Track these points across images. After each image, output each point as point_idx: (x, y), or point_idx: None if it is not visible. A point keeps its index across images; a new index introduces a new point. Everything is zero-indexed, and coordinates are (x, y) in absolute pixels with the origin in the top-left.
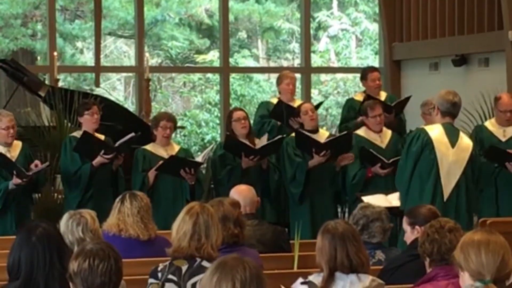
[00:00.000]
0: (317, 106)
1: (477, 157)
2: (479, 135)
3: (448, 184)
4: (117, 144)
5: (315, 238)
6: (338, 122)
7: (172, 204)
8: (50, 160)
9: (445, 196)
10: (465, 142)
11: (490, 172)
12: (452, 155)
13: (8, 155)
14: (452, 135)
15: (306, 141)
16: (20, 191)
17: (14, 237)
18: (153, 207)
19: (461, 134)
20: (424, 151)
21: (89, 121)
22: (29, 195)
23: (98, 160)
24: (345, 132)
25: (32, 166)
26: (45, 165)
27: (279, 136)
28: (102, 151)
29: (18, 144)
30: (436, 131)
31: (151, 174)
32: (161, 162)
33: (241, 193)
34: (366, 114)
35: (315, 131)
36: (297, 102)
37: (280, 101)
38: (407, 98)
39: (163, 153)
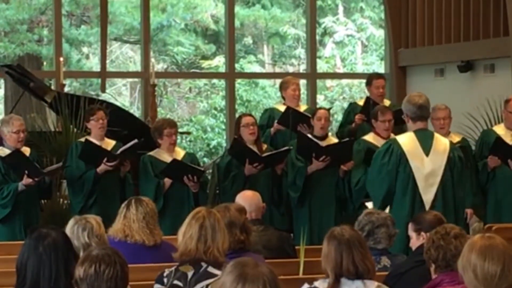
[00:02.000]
0: None
1: (456, 158)
2: (486, 138)
3: (428, 194)
4: (119, 151)
5: (313, 243)
6: None
7: (179, 210)
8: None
9: (427, 206)
10: (441, 144)
11: (483, 182)
12: (427, 165)
13: None
14: (426, 142)
15: (307, 144)
16: (29, 194)
17: (22, 242)
18: (160, 213)
19: (436, 137)
20: (399, 166)
21: (95, 127)
22: (38, 201)
23: (101, 168)
24: (347, 139)
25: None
26: (58, 165)
27: (286, 147)
28: (105, 159)
29: (26, 150)
30: (408, 142)
31: (167, 181)
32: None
33: (247, 198)
34: (376, 117)
35: (324, 137)
36: (302, 108)
37: (288, 108)
38: None
39: (169, 158)
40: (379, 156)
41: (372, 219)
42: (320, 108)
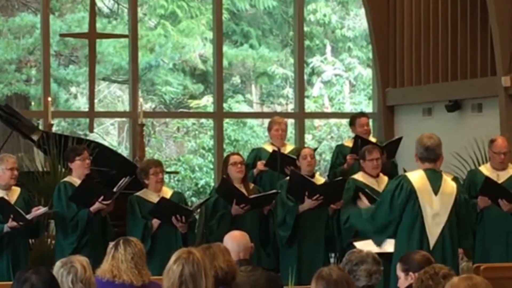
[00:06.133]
0: None
1: (462, 200)
2: (473, 178)
3: (434, 233)
4: (115, 189)
5: (301, 283)
6: None
7: (167, 250)
8: (43, 206)
9: (431, 244)
10: (449, 186)
11: (472, 222)
12: (436, 203)
13: (7, 199)
14: (435, 181)
15: (300, 182)
16: (16, 235)
17: (8, 283)
18: (148, 254)
19: (444, 178)
20: (408, 202)
21: (80, 167)
22: (27, 240)
23: (96, 207)
24: (340, 178)
25: (34, 209)
26: (45, 209)
27: (274, 191)
28: (102, 197)
29: (16, 189)
30: (418, 179)
31: (155, 222)
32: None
33: (235, 239)
34: (363, 157)
35: (311, 176)
36: (288, 147)
37: (274, 151)
38: (399, 139)
39: (156, 199)
40: (389, 192)
41: (351, 258)
42: (304, 147)
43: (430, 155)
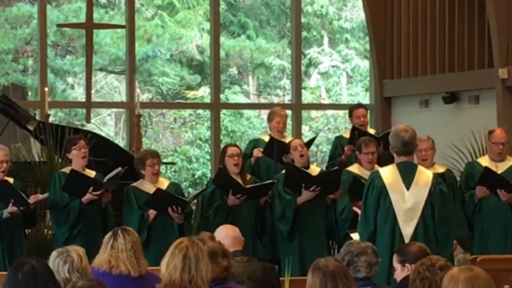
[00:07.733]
0: (310, 142)
1: (437, 192)
2: (471, 170)
3: (408, 229)
4: (105, 179)
5: (304, 275)
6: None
7: (164, 242)
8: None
9: (406, 240)
10: (423, 178)
11: (470, 213)
12: (408, 199)
13: None
14: (408, 175)
15: (297, 175)
16: (13, 223)
17: (3, 273)
18: (144, 245)
19: (419, 170)
20: (380, 199)
21: (77, 156)
22: (22, 230)
23: (87, 197)
24: (336, 168)
25: (32, 197)
26: (46, 195)
27: (270, 181)
28: (91, 188)
29: (9, 180)
30: (390, 175)
31: (151, 213)
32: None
33: (228, 231)
34: (359, 150)
35: (306, 167)
36: (287, 139)
37: (271, 138)
38: None
39: (152, 189)
40: (364, 193)
41: (351, 249)
42: (293, 139)
43: (408, 149)
